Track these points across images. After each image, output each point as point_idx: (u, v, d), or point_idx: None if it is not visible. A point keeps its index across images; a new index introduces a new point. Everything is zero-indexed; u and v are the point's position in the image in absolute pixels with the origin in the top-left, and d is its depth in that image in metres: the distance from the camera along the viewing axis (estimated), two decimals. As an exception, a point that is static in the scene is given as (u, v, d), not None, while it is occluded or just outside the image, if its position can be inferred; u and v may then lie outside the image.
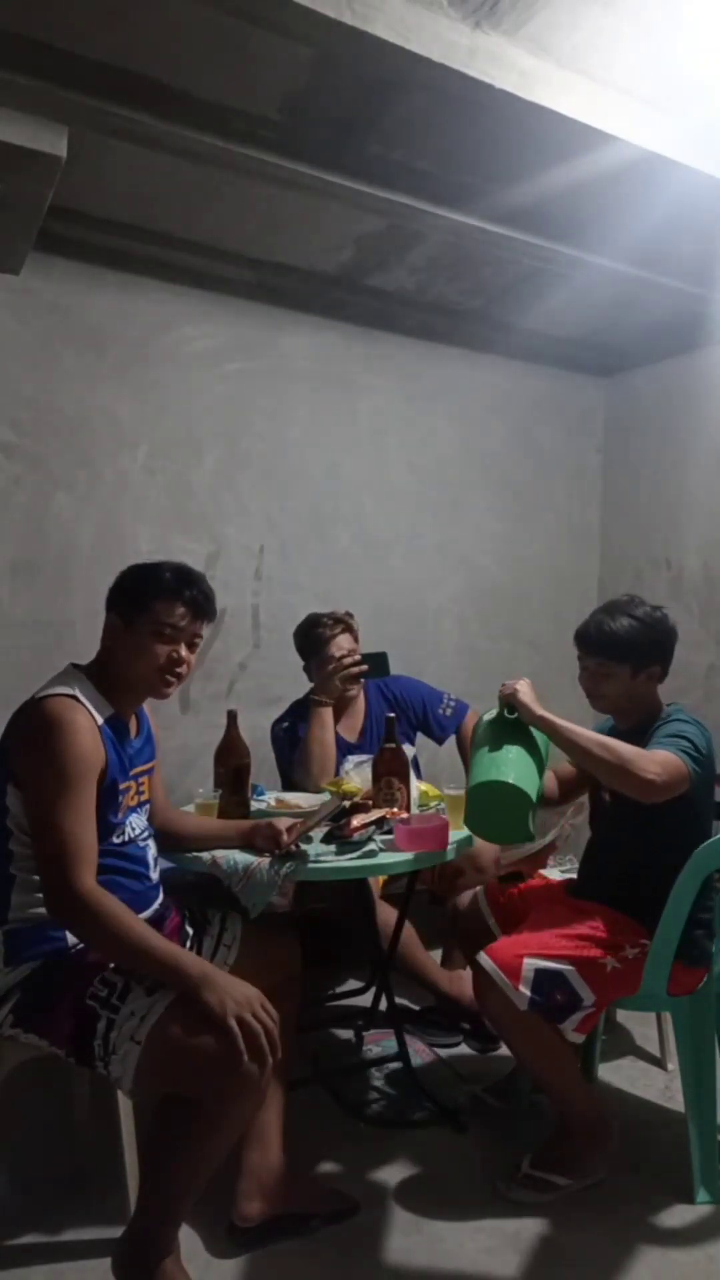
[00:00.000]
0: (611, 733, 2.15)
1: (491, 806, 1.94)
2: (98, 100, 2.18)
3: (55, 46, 2.03)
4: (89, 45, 2.04)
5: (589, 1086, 2.20)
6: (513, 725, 2.06)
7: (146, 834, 1.86)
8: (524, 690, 2.06)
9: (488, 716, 2.16)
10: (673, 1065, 2.45)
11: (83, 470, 3.14)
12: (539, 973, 1.86)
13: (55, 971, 1.62)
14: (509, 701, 2.06)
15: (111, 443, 3.19)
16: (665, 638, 2.11)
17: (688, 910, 1.94)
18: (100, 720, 1.69)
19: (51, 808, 1.56)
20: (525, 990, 1.84)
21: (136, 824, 1.82)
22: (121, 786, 1.73)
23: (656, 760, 1.89)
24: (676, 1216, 1.90)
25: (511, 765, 1.96)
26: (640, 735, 2.05)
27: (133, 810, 1.81)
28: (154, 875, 1.85)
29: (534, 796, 1.95)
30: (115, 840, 1.74)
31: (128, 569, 1.86)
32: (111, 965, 1.59)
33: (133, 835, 1.80)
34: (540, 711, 2.01)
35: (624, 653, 2.06)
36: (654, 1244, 1.82)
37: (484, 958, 1.91)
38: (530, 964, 1.86)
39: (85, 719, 1.65)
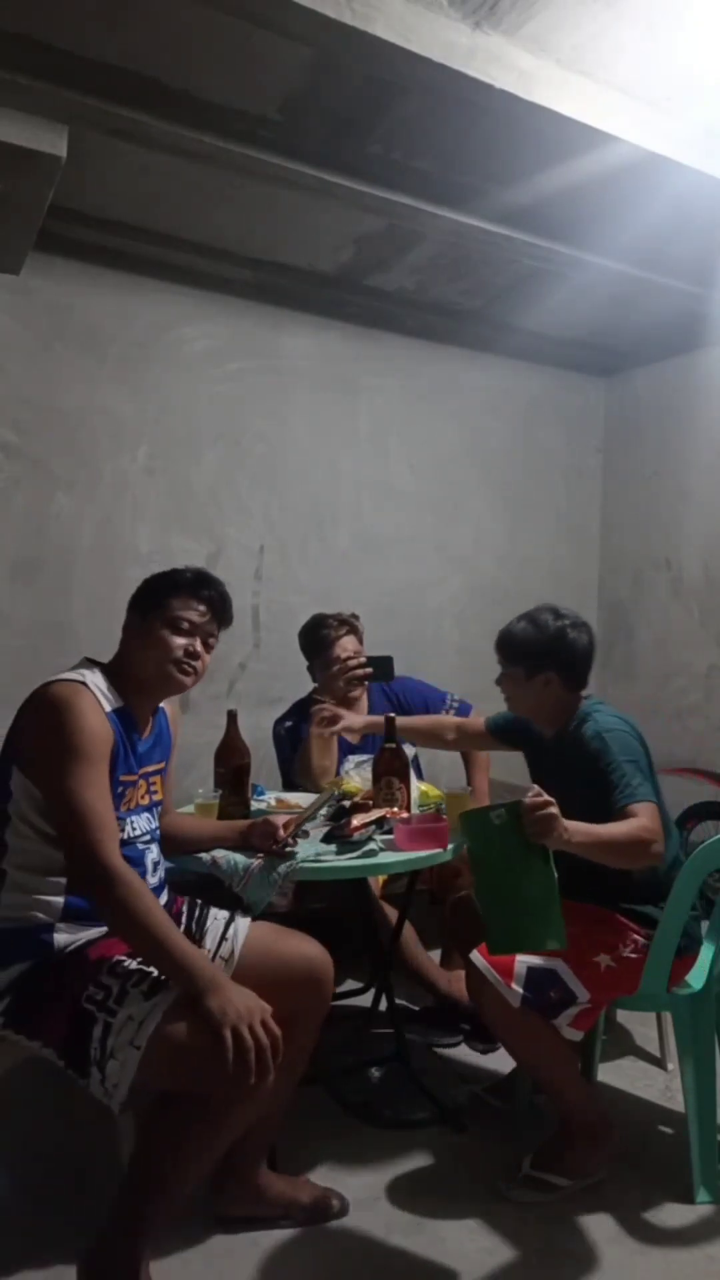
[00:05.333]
0: (525, 730, 2.24)
1: (537, 947, 1.73)
2: (98, 100, 2.18)
3: (55, 46, 2.04)
4: (89, 45, 2.04)
5: (588, 1085, 2.21)
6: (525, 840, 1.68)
7: (149, 837, 1.83)
8: (559, 819, 1.67)
9: (498, 818, 1.67)
10: (673, 1065, 2.45)
11: (83, 470, 3.14)
12: (531, 970, 1.86)
13: (48, 973, 1.60)
14: (545, 835, 1.65)
15: (111, 443, 3.19)
16: (562, 649, 2.07)
17: (687, 912, 1.94)
18: (108, 709, 1.70)
19: (67, 779, 1.56)
20: (518, 988, 1.85)
21: (140, 824, 1.80)
22: (124, 779, 1.72)
23: (646, 828, 1.81)
24: (676, 1216, 1.90)
25: (555, 922, 1.66)
26: (567, 742, 2.04)
27: (140, 810, 1.80)
28: (151, 880, 1.81)
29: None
30: None
31: (151, 575, 1.90)
32: (108, 968, 1.58)
33: (132, 835, 1.78)
34: (578, 839, 1.71)
35: (516, 656, 2.11)
36: (654, 1244, 1.82)
37: (477, 956, 1.92)
38: (523, 962, 1.87)
39: (91, 702, 1.65)
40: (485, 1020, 2.02)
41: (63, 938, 1.64)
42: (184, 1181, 1.54)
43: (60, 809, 1.57)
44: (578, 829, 1.71)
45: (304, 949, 1.80)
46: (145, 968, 1.57)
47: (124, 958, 1.60)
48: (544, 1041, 1.90)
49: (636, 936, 1.97)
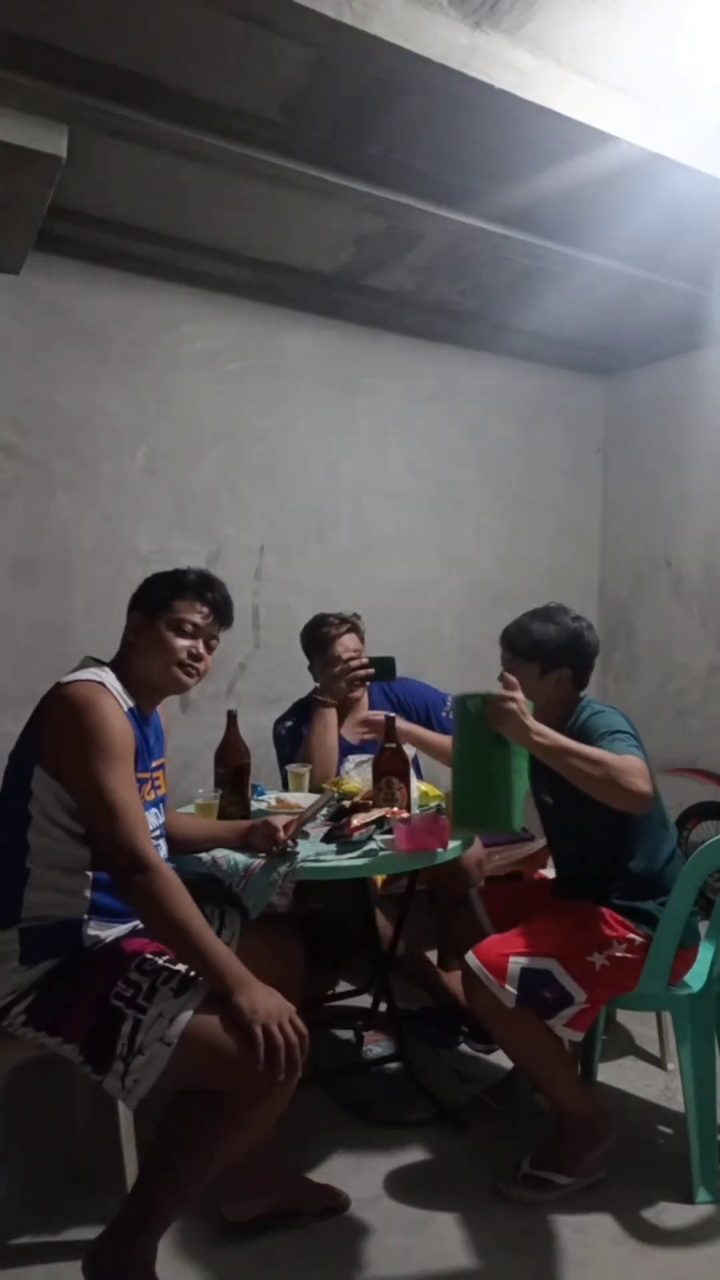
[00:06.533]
0: None
1: (485, 828, 2.03)
2: (98, 100, 2.18)
3: (55, 46, 2.04)
4: (89, 45, 2.04)
5: (582, 1082, 2.20)
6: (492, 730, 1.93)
7: (159, 832, 1.85)
8: (517, 713, 1.87)
9: (472, 705, 1.94)
10: (673, 1065, 2.45)
11: (83, 470, 3.14)
12: (525, 971, 1.87)
13: (74, 970, 1.61)
14: (501, 724, 1.88)
15: (111, 443, 3.19)
16: (578, 646, 2.16)
17: (688, 912, 1.94)
18: (125, 708, 1.71)
19: (100, 777, 1.57)
20: (511, 988, 1.85)
21: (151, 820, 1.81)
22: (140, 776, 1.74)
23: (623, 759, 1.87)
24: (676, 1216, 1.90)
25: (516, 804, 1.96)
26: (570, 737, 2.02)
27: (148, 805, 1.81)
28: None
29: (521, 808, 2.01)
30: None
31: (152, 574, 1.91)
32: (136, 965, 1.58)
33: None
34: (540, 740, 1.87)
35: (534, 652, 2.14)
36: (654, 1244, 1.82)
37: (471, 957, 1.92)
38: (516, 962, 1.88)
39: (113, 703, 1.67)
40: (478, 1018, 2.03)
41: (92, 934, 1.66)
42: (198, 1181, 1.55)
43: (94, 806, 1.58)
44: (544, 730, 1.88)
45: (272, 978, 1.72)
46: (173, 965, 1.57)
47: (152, 955, 1.61)
48: (537, 1040, 1.90)
49: (631, 935, 1.97)
